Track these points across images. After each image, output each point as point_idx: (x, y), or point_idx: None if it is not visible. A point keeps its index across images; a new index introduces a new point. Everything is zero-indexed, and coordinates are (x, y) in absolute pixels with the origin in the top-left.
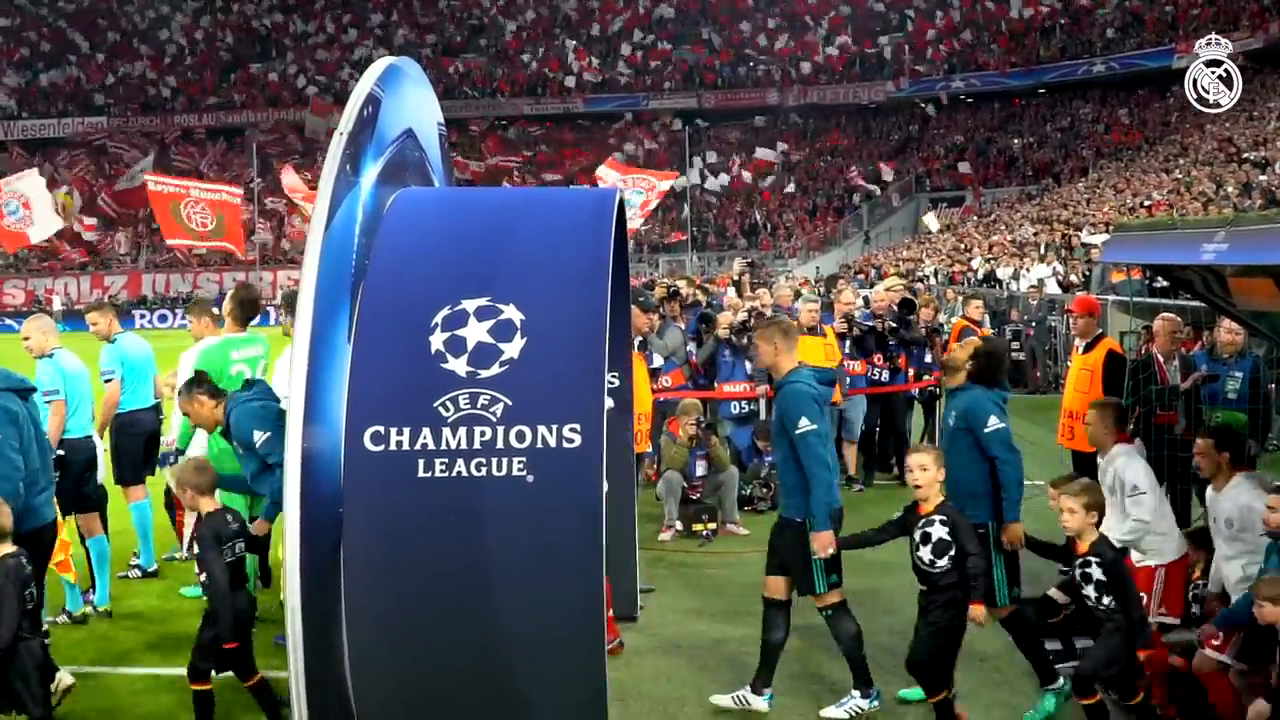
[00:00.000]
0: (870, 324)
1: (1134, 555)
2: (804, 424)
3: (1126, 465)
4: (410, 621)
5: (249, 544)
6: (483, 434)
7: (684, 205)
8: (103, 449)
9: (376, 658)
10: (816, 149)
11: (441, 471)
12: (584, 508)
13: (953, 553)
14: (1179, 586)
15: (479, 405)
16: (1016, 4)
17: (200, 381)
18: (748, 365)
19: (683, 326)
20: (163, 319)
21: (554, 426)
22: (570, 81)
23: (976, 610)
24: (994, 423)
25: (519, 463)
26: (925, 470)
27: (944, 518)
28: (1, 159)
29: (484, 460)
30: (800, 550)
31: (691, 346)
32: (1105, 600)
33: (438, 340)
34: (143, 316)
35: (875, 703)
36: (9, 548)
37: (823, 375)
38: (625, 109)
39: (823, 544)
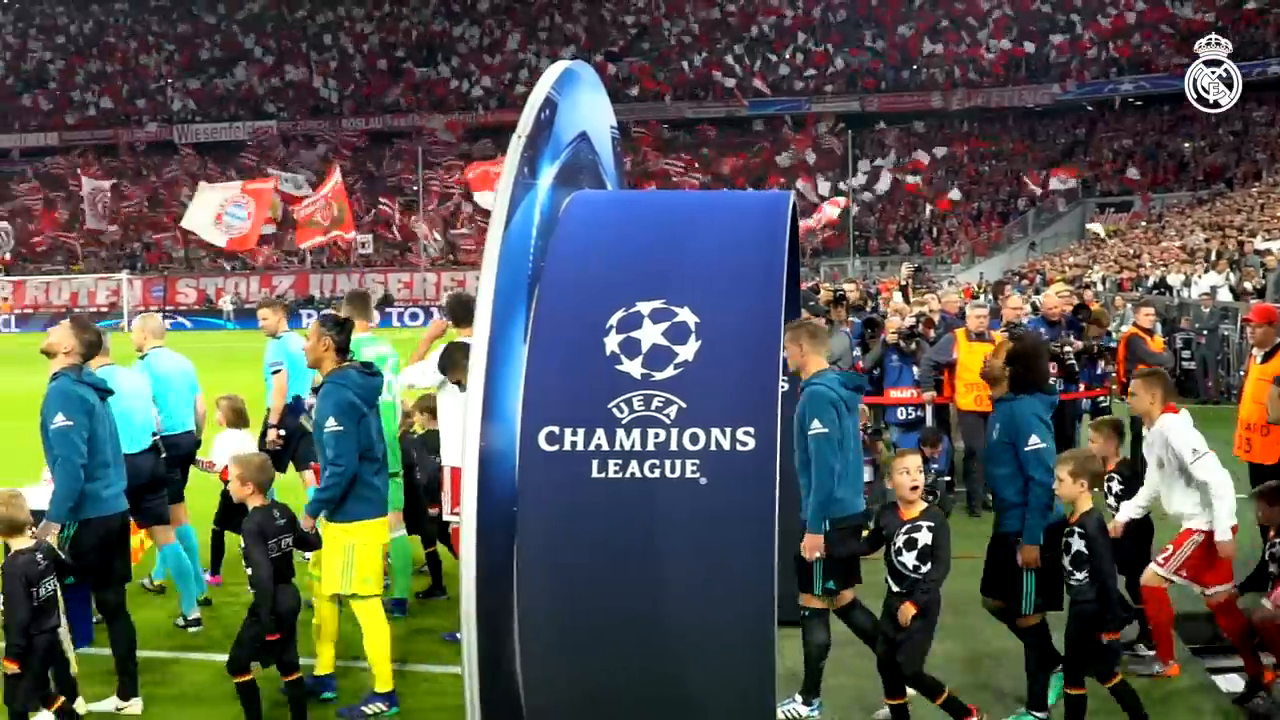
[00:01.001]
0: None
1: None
2: (815, 427)
3: (1176, 432)
4: (581, 621)
5: (298, 541)
6: (656, 436)
7: (845, 210)
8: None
9: (547, 656)
10: (980, 153)
11: (615, 473)
12: (757, 511)
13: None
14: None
15: (653, 407)
16: (1187, 4)
17: (343, 329)
18: (915, 370)
19: (848, 331)
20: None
21: (728, 429)
22: (732, 84)
23: (908, 609)
24: (1034, 441)
25: (692, 465)
26: (921, 473)
27: (931, 524)
28: (175, 160)
29: (657, 462)
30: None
31: (857, 351)
32: (1079, 575)
33: (612, 342)
34: (309, 315)
35: (815, 713)
36: (24, 541)
37: (849, 380)
38: (787, 112)
39: (810, 547)
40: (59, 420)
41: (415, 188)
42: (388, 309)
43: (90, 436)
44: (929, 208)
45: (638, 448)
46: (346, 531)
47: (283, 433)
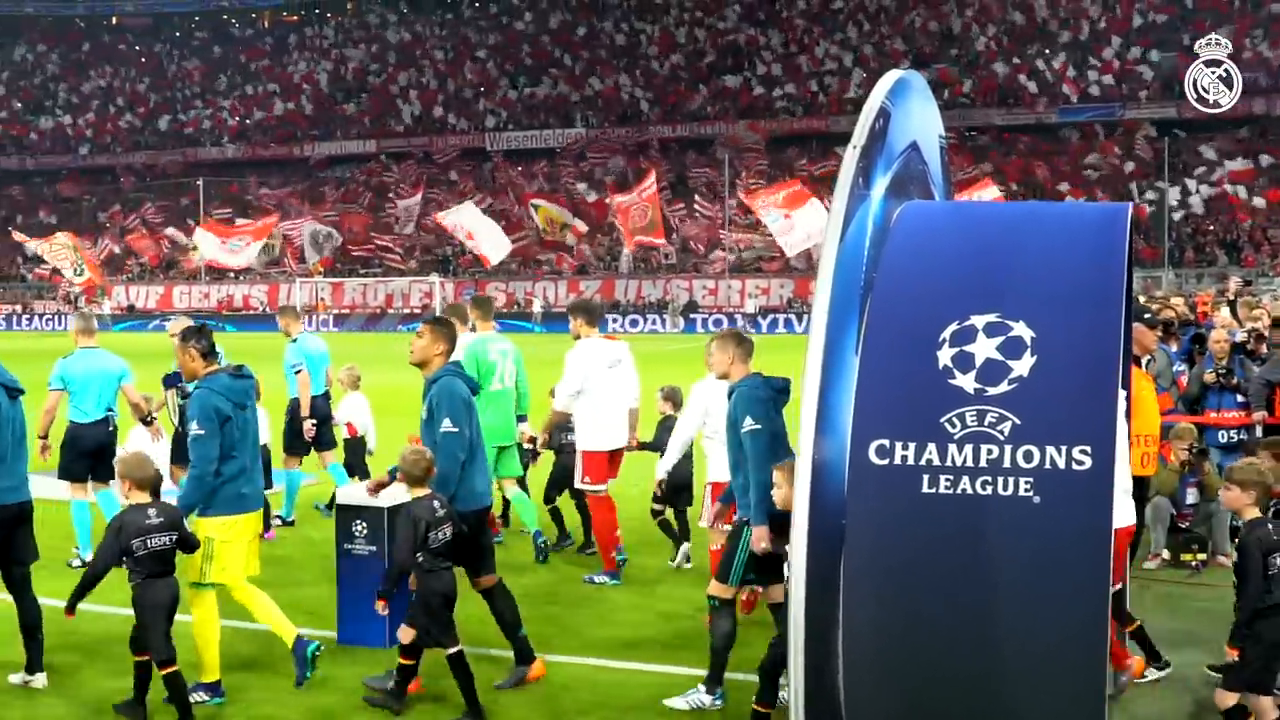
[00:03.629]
0: None
1: None
2: (748, 423)
3: None
4: (907, 638)
5: (180, 541)
6: (989, 452)
7: (1161, 220)
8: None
9: (872, 672)
10: None
11: (946, 488)
12: (1092, 532)
13: None
14: (1123, 555)
15: (986, 423)
16: None
17: (202, 336)
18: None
19: (1171, 349)
20: (634, 323)
21: (1063, 447)
22: (1042, 90)
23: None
24: None
25: (1025, 483)
26: None
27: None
28: (486, 169)
29: (989, 479)
30: (733, 541)
31: (1181, 367)
32: None
33: (945, 355)
34: (614, 320)
35: (719, 703)
36: None
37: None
38: (1100, 119)
39: (757, 538)
40: None
41: (720, 194)
42: (691, 315)
43: None
44: (1249, 218)
45: (969, 464)
46: (209, 526)
47: (314, 422)
